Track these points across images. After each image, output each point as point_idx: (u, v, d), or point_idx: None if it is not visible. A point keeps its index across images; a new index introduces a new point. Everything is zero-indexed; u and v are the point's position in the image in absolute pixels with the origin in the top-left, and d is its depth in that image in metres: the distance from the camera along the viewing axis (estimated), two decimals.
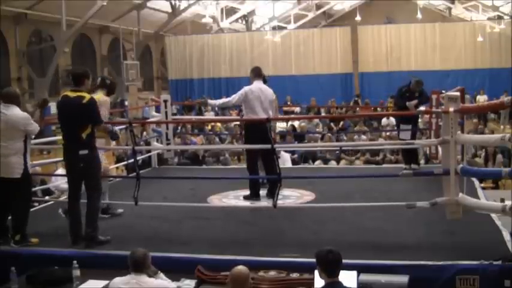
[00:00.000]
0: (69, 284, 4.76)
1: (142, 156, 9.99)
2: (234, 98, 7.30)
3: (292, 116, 16.81)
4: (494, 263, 4.53)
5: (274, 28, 27.63)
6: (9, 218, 5.78)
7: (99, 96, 6.62)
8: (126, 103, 22.61)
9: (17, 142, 5.58)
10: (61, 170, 8.85)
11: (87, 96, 5.54)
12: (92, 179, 5.62)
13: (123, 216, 6.50)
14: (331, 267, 3.68)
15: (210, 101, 7.97)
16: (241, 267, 3.69)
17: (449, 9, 30.99)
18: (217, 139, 14.39)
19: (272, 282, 4.57)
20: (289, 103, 20.00)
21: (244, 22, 28.93)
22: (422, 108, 8.65)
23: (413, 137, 8.56)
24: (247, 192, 7.29)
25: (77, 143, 5.48)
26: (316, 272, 3.88)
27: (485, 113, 18.58)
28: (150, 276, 4.14)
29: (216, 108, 18.67)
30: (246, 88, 7.24)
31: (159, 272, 4.33)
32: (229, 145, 14.17)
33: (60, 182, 8.67)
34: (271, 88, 7.49)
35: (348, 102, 22.23)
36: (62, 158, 8.50)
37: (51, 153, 12.90)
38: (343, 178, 7.93)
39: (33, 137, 5.95)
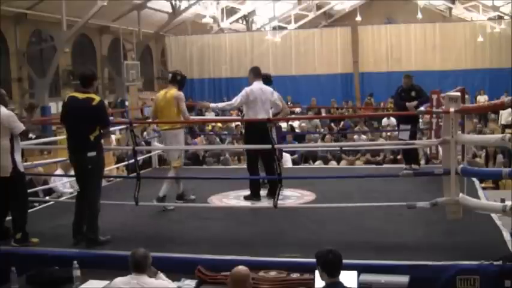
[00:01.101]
0: (69, 284, 4.76)
1: (143, 157, 9.99)
2: (236, 100, 7.25)
3: (293, 116, 16.78)
4: (495, 263, 4.53)
5: (274, 28, 27.63)
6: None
7: (174, 91, 6.94)
8: (127, 103, 22.61)
9: (3, 140, 5.55)
10: (60, 171, 8.84)
11: (97, 98, 5.55)
12: (95, 180, 5.63)
13: (123, 216, 6.50)
14: (331, 267, 3.68)
15: (213, 105, 7.96)
16: (241, 268, 3.69)
17: (450, 9, 31.03)
18: (217, 139, 14.38)
19: (272, 283, 4.58)
20: (289, 103, 19.97)
21: (244, 22, 28.94)
22: (422, 108, 8.67)
23: (413, 137, 8.56)
24: (247, 192, 7.30)
25: (85, 145, 5.49)
26: (317, 272, 3.88)
27: (485, 113, 18.56)
28: (150, 276, 4.14)
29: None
30: (247, 89, 7.23)
31: (159, 272, 4.33)
32: (229, 145, 14.17)
33: (58, 183, 8.64)
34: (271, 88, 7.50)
35: (348, 102, 22.25)
36: (62, 158, 8.58)
37: (51, 153, 12.90)
38: (344, 178, 7.93)
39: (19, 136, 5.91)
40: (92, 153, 5.49)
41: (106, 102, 21.86)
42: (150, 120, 7.96)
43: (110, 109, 20.31)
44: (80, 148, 5.53)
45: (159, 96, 7.19)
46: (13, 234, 5.60)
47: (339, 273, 3.70)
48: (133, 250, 4.12)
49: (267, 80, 7.57)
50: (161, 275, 4.33)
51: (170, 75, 7.25)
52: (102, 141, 6.18)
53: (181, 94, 7.02)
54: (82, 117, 5.50)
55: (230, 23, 26.62)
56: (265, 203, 6.90)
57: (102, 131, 5.62)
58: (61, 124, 6.00)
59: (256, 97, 7.14)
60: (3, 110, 5.63)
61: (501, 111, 15.70)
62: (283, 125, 14.76)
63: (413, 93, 8.69)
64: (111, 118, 7.60)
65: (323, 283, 3.74)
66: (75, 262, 4.78)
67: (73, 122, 5.61)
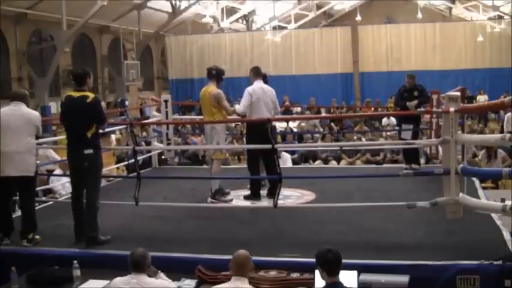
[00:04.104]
0: (69, 284, 4.76)
1: (143, 156, 9.99)
2: (244, 105, 7.18)
3: (294, 116, 16.77)
4: (495, 263, 4.53)
5: (274, 28, 27.64)
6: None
7: (212, 88, 7.06)
8: (127, 103, 22.62)
9: (32, 139, 5.69)
10: (58, 171, 8.83)
11: (91, 95, 5.58)
12: (94, 178, 5.64)
13: (123, 216, 6.49)
14: (331, 266, 3.68)
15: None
16: (241, 251, 3.97)
17: (450, 9, 31.06)
18: None
19: (272, 282, 4.57)
20: (286, 103, 19.96)
21: (244, 22, 28.96)
22: (423, 108, 8.66)
23: (415, 137, 8.56)
24: (247, 192, 7.30)
25: (82, 142, 5.51)
26: (317, 272, 3.88)
27: (485, 113, 18.54)
28: (150, 276, 4.14)
29: None
30: (249, 89, 7.22)
31: (159, 271, 4.33)
32: (229, 145, 14.16)
33: (56, 183, 8.63)
34: (272, 88, 7.49)
35: (348, 102, 22.28)
36: (63, 158, 8.56)
37: None
38: (343, 178, 7.93)
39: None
40: (89, 151, 5.51)
41: (106, 101, 21.97)
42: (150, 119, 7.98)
43: (119, 108, 20.34)
44: (77, 145, 5.55)
45: (201, 94, 7.34)
46: (24, 235, 5.60)
47: (339, 272, 3.70)
48: (132, 250, 4.12)
49: (263, 79, 7.55)
50: (161, 274, 4.33)
51: (207, 71, 7.38)
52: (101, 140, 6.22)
53: (219, 93, 7.13)
54: (78, 115, 5.53)
55: (230, 23, 26.63)
56: (265, 202, 6.90)
57: (99, 128, 5.64)
58: (60, 123, 6.04)
59: (259, 96, 7.15)
60: (31, 110, 5.76)
61: (506, 116, 15.39)
62: (283, 125, 14.82)
63: (415, 93, 8.71)
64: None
65: (323, 283, 3.74)
66: (75, 262, 4.78)
67: (70, 121, 5.65)
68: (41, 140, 9.17)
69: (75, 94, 5.60)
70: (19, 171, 5.56)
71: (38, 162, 6.63)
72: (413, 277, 4.50)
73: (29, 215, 5.70)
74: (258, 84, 7.26)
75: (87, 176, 5.58)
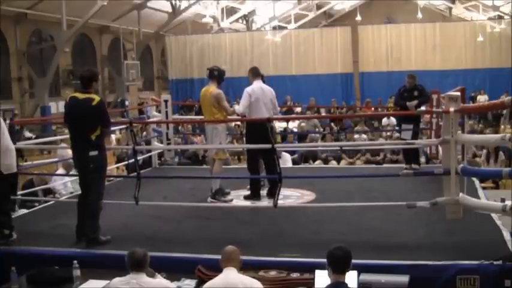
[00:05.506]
0: (69, 284, 4.76)
1: (143, 156, 9.99)
2: (243, 105, 7.19)
3: (293, 115, 16.78)
4: (495, 262, 4.53)
5: (274, 28, 27.63)
6: None
7: (213, 89, 7.08)
8: (127, 103, 22.61)
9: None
10: (61, 170, 8.84)
11: (97, 98, 5.55)
12: (98, 180, 5.64)
13: (123, 216, 6.49)
14: (337, 263, 3.68)
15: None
16: (229, 246, 4.19)
17: (450, 9, 31.05)
18: None
19: (272, 282, 4.57)
20: (289, 103, 19.97)
21: (244, 22, 28.95)
22: (423, 108, 8.67)
23: (415, 137, 8.57)
24: (247, 192, 7.30)
25: (86, 144, 5.51)
26: (317, 272, 3.88)
27: (485, 113, 18.54)
28: (148, 276, 4.14)
29: None
30: (248, 89, 7.22)
31: (157, 273, 4.32)
32: (229, 145, 14.15)
33: (59, 182, 8.62)
34: (271, 88, 7.49)
35: (348, 102, 22.28)
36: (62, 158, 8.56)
37: (51, 153, 12.90)
38: (343, 178, 7.93)
39: None
40: (94, 153, 5.51)
41: (106, 101, 22.02)
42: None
43: (119, 108, 20.21)
44: (82, 147, 5.56)
45: (201, 94, 7.34)
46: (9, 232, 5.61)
47: (345, 271, 3.69)
48: (131, 250, 4.12)
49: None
50: (159, 276, 4.32)
51: (208, 71, 7.36)
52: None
53: (220, 93, 7.14)
54: (82, 117, 5.52)
55: (230, 23, 26.61)
56: (265, 202, 6.90)
57: (102, 130, 5.64)
58: (64, 124, 6.05)
59: (258, 97, 7.16)
60: None
61: None
62: (283, 125, 14.81)
63: (415, 93, 8.72)
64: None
65: (324, 282, 3.73)
66: (75, 262, 4.79)
67: (74, 122, 5.64)
68: (56, 138, 9.25)
69: (80, 96, 5.57)
70: (12, 167, 5.68)
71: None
72: (413, 277, 4.50)
73: (7, 212, 5.77)
74: (257, 85, 7.27)
75: (92, 177, 5.59)
